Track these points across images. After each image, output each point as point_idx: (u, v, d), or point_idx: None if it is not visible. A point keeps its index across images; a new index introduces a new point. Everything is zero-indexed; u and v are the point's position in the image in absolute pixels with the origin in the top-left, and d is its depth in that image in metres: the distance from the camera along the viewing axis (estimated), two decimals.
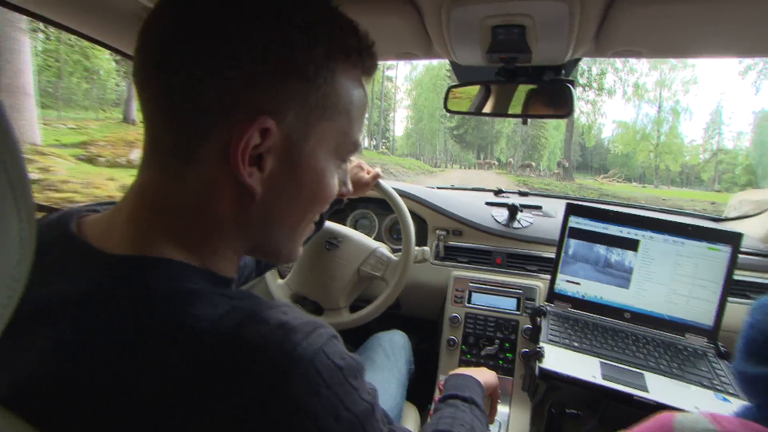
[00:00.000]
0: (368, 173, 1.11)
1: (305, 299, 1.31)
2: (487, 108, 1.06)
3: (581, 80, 27.01)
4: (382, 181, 1.14)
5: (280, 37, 0.38)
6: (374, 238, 1.42)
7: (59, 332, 0.35)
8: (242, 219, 0.42)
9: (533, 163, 29.72)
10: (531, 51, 0.77)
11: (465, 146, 39.51)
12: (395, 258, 1.22)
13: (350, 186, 0.58)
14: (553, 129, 34.73)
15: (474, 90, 1.09)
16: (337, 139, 0.44)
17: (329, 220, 1.28)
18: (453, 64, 1.02)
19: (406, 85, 43.85)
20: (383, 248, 1.27)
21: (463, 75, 1.08)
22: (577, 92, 0.97)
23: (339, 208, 1.62)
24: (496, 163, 33.94)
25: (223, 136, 0.38)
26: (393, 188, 1.25)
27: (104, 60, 16.94)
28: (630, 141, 32.85)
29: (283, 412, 0.33)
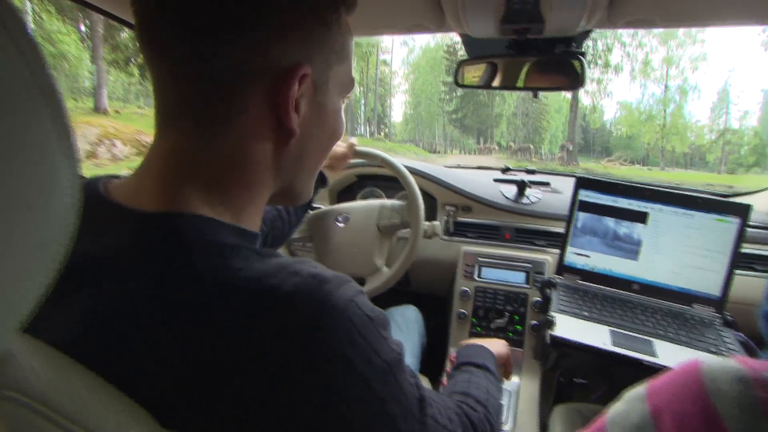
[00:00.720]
0: (341, 145, 1.11)
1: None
2: (498, 82, 1.06)
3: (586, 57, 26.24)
4: (360, 147, 1.15)
5: None
6: None
7: (102, 288, 0.36)
8: (278, 162, 0.45)
9: (531, 146, 29.11)
10: (544, 21, 0.77)
11: (464, 131, 38.54)
12: (385, 269, 1.21)
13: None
14: (554, 112, 33.69)
15: (484, 65, 1.09)
16: (343, 80, 0.48)
17: (339, 200, 1.28)
18: (464, 37, 1.01)
19: (403, 69, 42.75)
20: (389, 201, 1.27)
21: (474, 50, 1.08)
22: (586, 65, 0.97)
23: (348, 185, 1.64)
24: (497, 147, 33.14)
25: (265, 90, 0.40)
26: (402, 164, 1.26)
27: (72, 45, 14.97)
28: (635, 122, 31.96)
29: (320, 357, 0.35)
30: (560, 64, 1.00)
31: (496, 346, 0.84)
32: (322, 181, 1.03)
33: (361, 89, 35.11)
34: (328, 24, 0.42)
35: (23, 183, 0.23)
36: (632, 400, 0.36)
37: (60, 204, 0.25)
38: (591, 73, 26.67)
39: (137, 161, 0.47)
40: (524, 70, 1.04)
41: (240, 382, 0.34)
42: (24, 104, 0.22)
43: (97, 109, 12.62)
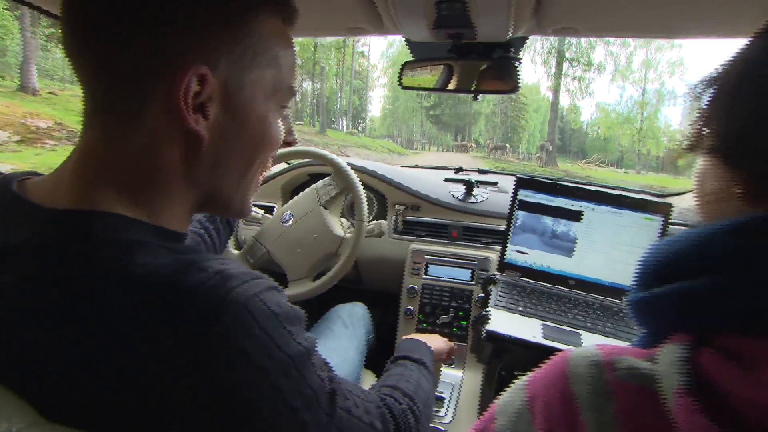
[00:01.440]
0: None
1: (268, 271, 1.33)
2: (440, 84, 1.09)
3: (567, 54, 25.32)
4: (283, 150, 1.17)
5: None
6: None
7: (6, 281, 0.37)
8: (191, 167, 0.44)
9: (507, 145, 28.76)
10: (474, 27, 0.80)
11: (442, 127, 37.99)
12: (348, 235, 1.25)
13: (296, 136, 0.61)
14: (533, 111, 33.29)
15: (428, 66, 1.11)
16: (273, 85, 0.47)
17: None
18: (407, 40, 1.04)
19: (382, 62, 41.52)
20: (320, 181, 1.31)
21: (418, 52, 1.10)
22: (566, 69, 1.01)
23: (300, 184, 1.63)
24: (474, 145, 32.53)
25: (164, 90, 0.40)
26: (353, 164, 1.28)
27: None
28: (611, 124, 31.75)
29: (218, 350, 0.35)
30: (498, 69, 1.03)
31: (436, 342, 0.87)
32: None
33: (338, 82, 34.18)
34: (235, 26, 0.42)
35: None
36: (516, 389, 0.39)
37: None
38: (573, 71, 26.30)
39: (13, 147, 0.46)
40: (465, 73, 1.07)
41: (137, 377, 0.34)
42: None
43: (24, 89, 10.40)
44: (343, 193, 1.26)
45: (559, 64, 25.23)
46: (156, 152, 0.42)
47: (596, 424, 0.30)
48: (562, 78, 25.64)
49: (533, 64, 26.21)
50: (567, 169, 22.98)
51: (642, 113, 29.07)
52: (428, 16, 0.77)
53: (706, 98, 0.38)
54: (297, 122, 29.49)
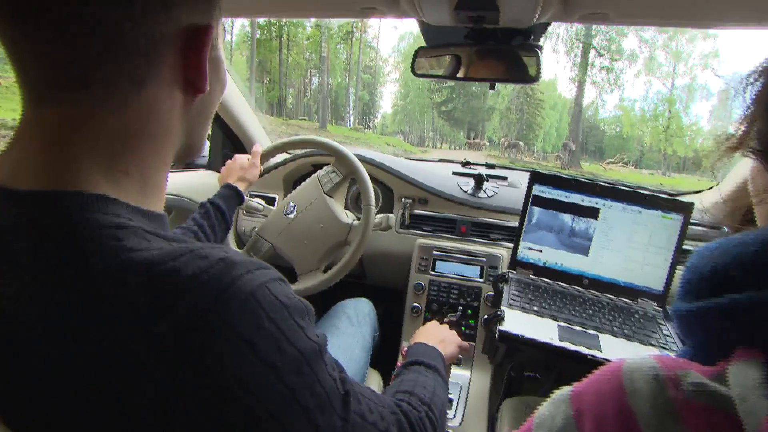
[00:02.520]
0: (248, 158, 1.17)
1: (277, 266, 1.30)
2: (454, 72, 1.04)
3: (594, 42, 22.92)
4: (267, 146, 1.25)
5: None
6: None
7: None
8: (185, 120, 0.45)
9: (521, 143, 26.70)
10: (498, 9, 0.75)
11: (454, 124, 35.68)
12: (356, 222, 1.22)
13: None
14: (549, 108, 31.56)
15: (442, 53, 1.06)
16: (219, 30, 0.47)
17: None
18: (422, 25, 0.98)
19: (394, 57, 39.25)
20: (321, 170, 1.28)
21: (432, 37, 1.05)
22: (592, 58, 0.95)
23: (303, 175, 1.59)
24: (487, 143, 30.56)
25: (176, 53, 0.40)
26: (359, 155, 1.23)
27: None
28: (634, 122, 29.15)
29: (222, 342, 0.32)
30: (518, 57, 0.99)
31: (449, 347, 0.83)
32: (237, 195, 1.08)
33: (346, 76, 32.99)
34: None
35: None
36: (557, 401, 0.35)
37: None
38: (600, 60, 23.85)
39: None
40: (482, 60, 1.02)
41: (134, 371, 0.31)
42: None
43: None
44: (346, 179, 1.23)
45: (585, 53, 23.22)
46: (157, 112, 0.40)
47: None
48: (588, 68, 23.90)
49: (555, 53, 24.45)
50: (593, 171, 21.11)
51: (669, 110, 26.54)
52: None
53: (750, 95, 0.36)
54: (300, 117, 28.63)
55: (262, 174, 1.45)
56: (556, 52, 24.04)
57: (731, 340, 0.31)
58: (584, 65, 23.13)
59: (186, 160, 0.51)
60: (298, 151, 1.55)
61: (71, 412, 0.31)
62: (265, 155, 1.24)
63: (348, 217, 1.24)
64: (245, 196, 1.12)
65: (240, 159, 1.16)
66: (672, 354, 0.87)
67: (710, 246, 0.34)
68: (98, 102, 0.37)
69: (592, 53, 23.58)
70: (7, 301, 0.32)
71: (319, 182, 1.25)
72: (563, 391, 0.36)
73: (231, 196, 1.07)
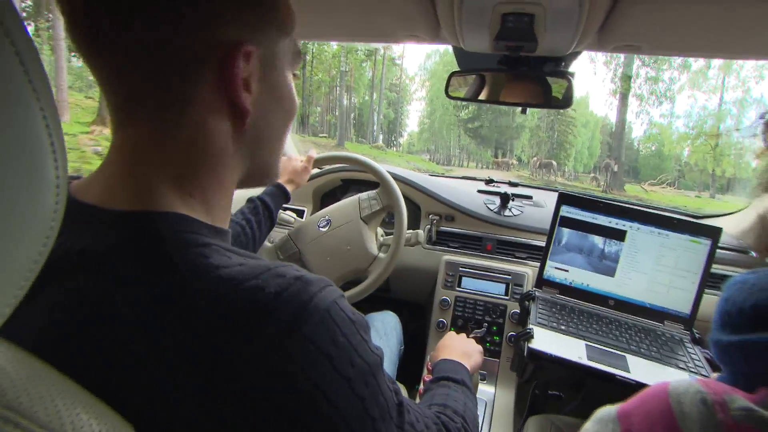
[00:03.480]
0: (301, 161, 1.18)
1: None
2: (487, 95, 1.08)
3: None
4: (321, 155, 1.25)
5: None
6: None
7: (78, 286, 0.36)
8: (238, 144, 0.45)
9: (554, 163, 24.47)
10: (537, 40, 0.79)
11: (481, 142, 33.65)
12: (381, 255, 1.23)
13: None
14: (581, 126, 29.57)
15: (474, 77, 1.10)
16: (291, 52, 0.48)
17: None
18: (456, 50, 1.03)
19: (420, 75, 38.22)
20: (364, 193, 1.29)
21: (466, 62, 1.09)
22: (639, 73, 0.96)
23: (331, 189, 1.64)
24: (515, 162, 28.38)
25: (214, 73, 0.40)
26: (388, 171, 1.27)
27: None
28: (670, 140, 27.22)
29: (303, 355, 0.34)
30: (552, 83, 1.02)
31: (472, 359, 0.84)
32: (285, 196, 1.09)
33: (371, 93, 32.36)
34: (264, 1, 0.43)
35: (15, 179, 0.23)
36: (603, 420, 0.38)
37: (47, 203, 0.25)
38: (646, 70, 21.99)
39: None
40: (514, 85, 1.06)
41: (222, 382, 0.33)
42: (20, 103, 0.22)
43: None
44: (385, 210, 1.24)
45: (628, 63, 21.15)
46: (205, 134, 0.42)
47: None
48: (632, 79, 21.81)
49: (593, 62, 22.64)
50: (638, 195, 19.16)
51: (717, 126, 23.85)
52: (492, 26, 0.77)
53: None
54: (321, 135, 28.02)
55: None
56: (595, 61, 22.42)
57: None
58: (627, 76, 20.98)
59: (257, 185, 0.53)
60: (328, 166, 1.59)
61: (175, 416, 0.34)
62: (318, 162, 1.24)
63: (376, 245, 1.25)
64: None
65: (294, 161, 1.16)
66: (700, 377, 0.88)
67: (749, 279, 0.37)
68: (155, 123, 0.40)
69: (636, 63, 21.66)
70: (111, 312, 0.35)
71: (360, 205, 1.26)
72: (609, 410, 0.39)
73: (279, 196, 1.09)
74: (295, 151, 1.71)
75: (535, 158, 25.51)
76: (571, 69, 1.04)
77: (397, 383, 0.47)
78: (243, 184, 0.50)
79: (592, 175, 22.38)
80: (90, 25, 0.38)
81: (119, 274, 0.35)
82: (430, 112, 35.37)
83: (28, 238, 0.24)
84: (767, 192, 0.43)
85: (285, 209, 1.42)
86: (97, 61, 0.39)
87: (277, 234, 1.49)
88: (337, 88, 28.44)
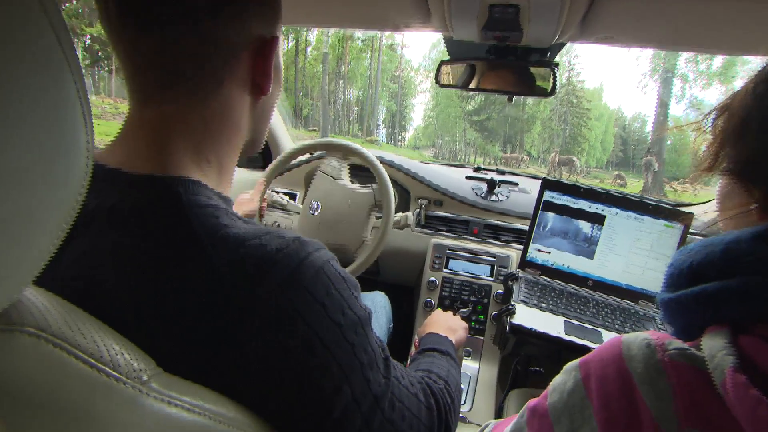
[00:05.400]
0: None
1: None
2: (475, 83, 1.12)
3: None
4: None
5: None
6: None
7: (105, 239, 0.40)
8: (251, 118, 0.52)
9: (575, 159, 22.53)
10: (522, 31, 0.83)
11: (488, 136, 31.12)
12: (369, 238, 1.27)
13: None
14: (594, 119, 27.91)
15: (463, 66, 1.14)
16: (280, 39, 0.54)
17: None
18: (446, 39, 1.06)
19: (426, 65, 36.20)
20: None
21: (456, 51, 1.13)
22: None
23: None
24: (526, 157, 26.98)
25: (249, 57, 0.47)
26: (378, 156, 1.31)
27: None
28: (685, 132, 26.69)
29: (301, 302, 0.40)
30: (535, 72, 1.06)
31: (457, 334, 0.89)
32: None
33: (371, 85, 30.55)
34: None
35: (52, 141, 0.26)
36: (569, 370, 0.43)
37: (79, 167, 0.28)
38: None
39: None
40: (501, 74, 1.10)
41: (231, 324, 0.38)
42: (55, 70, 0.25)
43: None
44: (345, 159, 1.30)
45: None
46: (231, 108, 0.48)
47: (653, 393, 0.35)
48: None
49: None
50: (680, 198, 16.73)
51: None
52: (480, 17, 0.80)
53: (720, 124, 0.42)
54: (311, 128, 27.19)
55: (283, 172, 1.53)
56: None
57: (705, 320, 0.38)
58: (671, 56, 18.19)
59: (250, 155, 0.58)
60: (317, 153, 1.62)
61: (192, 355, 0.39)
62: (268, 178, 1.30)
63: (367, 231, 1.29)
64: (270, 192, 1.19)
65: (241, 196, 1.19)
66: None
67: (688, 246, 0.42)
68: (186, 98, 0.45)
69: None
70: (136, 262, 0.39)
71: (326, 174, 1.31)
72: (573, 362, 0.44)
73: None
74: (288, 137, 1.74)
75: (553, 153, 23.71)
76: (557, 59, 1.08)
77: (382, 340, 0.52)
78: (242, 153, 0.55)
79: (616, 172, 20.54)
80: (137, 8, 0.42)
81: (143, 229, 0.40)
82: (435, 104, 33.36)
83: (62, 199, 0.28)
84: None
85: (277, 192, 1.45)
86: (138, 40, 0.43)
87: (270, 218, 1.52)
88: (326, 73, 27.06)
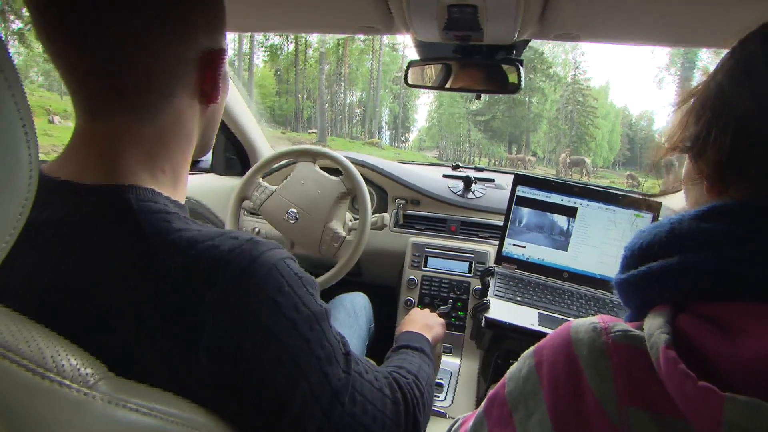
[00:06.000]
0: None
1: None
2: (444, 83, 1.13)
3: None
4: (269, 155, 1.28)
5: None
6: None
7: (56, 251, 0.40)
8: (201, 125, 0.54)
9: (587, 160, 21.62)
10: (482, 30, 0.85)
11: (492, 136, 30.29)
12: (348, 235, 1.26)
13: None
14: (601, 118, 27.41)
15: (433, 66, 1.16)
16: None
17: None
18: (414, 40, 1.08)
19: None
20: (335, 223, 1.28)
21: (424, 51, 1.14)
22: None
23: None
24: (533, 158, 26.02)
25: (196, 71, 0.49)
26: (353, 158, 1.32)
27: None
28: None
29: (253, 300, 0.41)
30: (501, 70, 1.08)
31: (433, 331, 0.90)
32: None
33: (372, 87, 29.79)
34: (220, 6, 0.50)
35: None
36: (524, 357, 0.44)
37: (22, 181, 0.28)
38: None
39: None
40: (468, 72, 1.12)
41: (185, 326, 0.39)
42: None
43: None
44: (349, 193, 1.27)
45: None
46: (182, 120, 0.49)
47: (597, 376, 0.36)
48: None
49: None
50: None
51: None
52: (439, 18, 0.82)
53: (686, 106, 0.44)
54: (311, 131, 26.59)
55: (267, 174, 1.53)
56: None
57: (653, 299, 0.40)
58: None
59: (198, 158, 0.60)
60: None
61: (146, 358, 0.39)
62: (267, 164, 1.32)
63: (342, 230, 1.27)
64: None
65: None
66: None
67: (642, 229, 0.44)
68: (136, 112, 0.45)
69: None
70: (86, 270, 0.40)
71: (324, 189, 1.28)
72: (528, 350, 0.45)
73: None
74: (266, 142, 1.73)
75: (563, 154, 22.59)
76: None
77: (345, 336, 0.53)
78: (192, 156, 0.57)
79: (628, 173, 20.14)
80: (78, 21, 0.42)
81: (93, 237, 0.40)
82: (438, 104, 32.66)
83: (5, 212, 0.28)
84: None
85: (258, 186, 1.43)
86: (80, 54, 0.43)
87: (249, 225, 1.52)
88: (323, 73, 26.64)
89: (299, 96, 28.38)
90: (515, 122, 29.44)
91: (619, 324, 0.38)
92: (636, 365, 0.35)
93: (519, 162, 23.69)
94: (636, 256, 0.42)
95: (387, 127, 32.86)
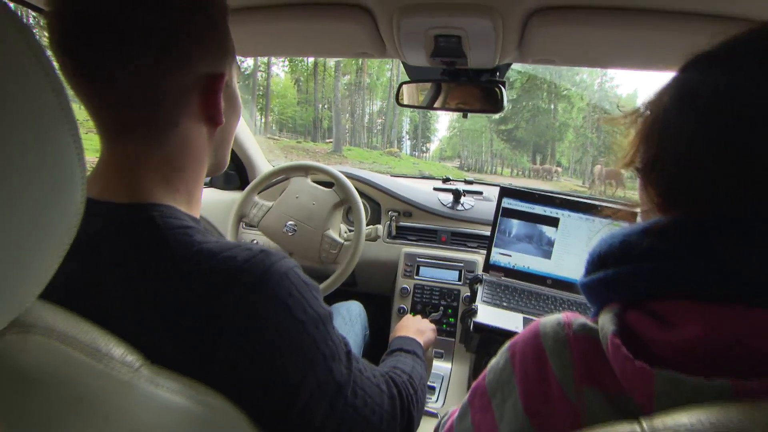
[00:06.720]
0: None
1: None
2: (432, 102, 1.21)
3: None
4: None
5: (199, 3, 0.50)
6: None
7: (94, 262, 0.46)
8: (210, 146, 0.57)
9: (623, 172, 18.07)
10: (466, 56, 0.93)
11: (516, 146, 29.20)
12: (345, 241, 1.33)
13: None
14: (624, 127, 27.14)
15: (422, 87, 1.24)
16: (236, 68, 0.60)
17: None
18: (404, 63, 1.16)
19: None
20: (331, 231, 1.35)
21: (414, 73, 1.23)
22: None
23: None
24: (559, 169, 24.55)
25: (198, 97, 0.52)
26: (348, 173, 1.39)
27: None
28: None
29: (266, 304, 0.46)
30: (485, 91, 1.17)
31: (425, 335, 0.95)
32: None
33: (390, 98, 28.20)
34: (227, 33, 0.54)
35: (54, 181, 0.32)
36: (502, 351, 0.50)
37: (75, 196, 0.34)
38: None
39: None
40: (455, 93, 1.20)
41: (205, 325, 0.44)
42: (51, 121, 0.31)
43: None
44: (342, 204, 1.35)
45: None
46: (189, 145, 0.53)
47: (560, 363, 0.42)
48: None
49: None
50: None
51: None
52: (427, 46, 0.90)
53: (639, 122, 0.49)
54: (328, 140, 26.18)
55: (263, 190, 1.60)
56: None
57: (609, 299, 0.46)
58: None
59: (214, 175, 0.65)
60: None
61: (172, 351, 0.45)
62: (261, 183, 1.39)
63: (339, 239, 1.34)
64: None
65: None
66: None
67: (602, 239, 0.50)
68: (145, 140, 0.51)
69: None
70: (117, 279, 0.45)
71: (318, 200, 1.36)
72: (505, 344, 0.52)
73: None
74: (263, 157, 1.80)
75: (598, 165, 20.54)
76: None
77: (345, 336, 0.58)
78: (207, 174, 0.62)
79: None
80: (80, 65, 0.47)
81: (125, 250, 0.46)
82: (458, 114, 30.93)
83: (63, 225, 0.34)
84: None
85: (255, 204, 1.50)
86: (90, 90, 0.49)
87: (248, 237, 1.58)
88: (338, 80, 26.05)
89: (319, 106, 28.12)
90: (540, 131, 27.88)
91: (580, 319, 0.45)
92: (591, 353, 0.42)
93: (545, 173, 22.52)
94: (595, 262, 0.48)
95: (408, 137, 32.01)
